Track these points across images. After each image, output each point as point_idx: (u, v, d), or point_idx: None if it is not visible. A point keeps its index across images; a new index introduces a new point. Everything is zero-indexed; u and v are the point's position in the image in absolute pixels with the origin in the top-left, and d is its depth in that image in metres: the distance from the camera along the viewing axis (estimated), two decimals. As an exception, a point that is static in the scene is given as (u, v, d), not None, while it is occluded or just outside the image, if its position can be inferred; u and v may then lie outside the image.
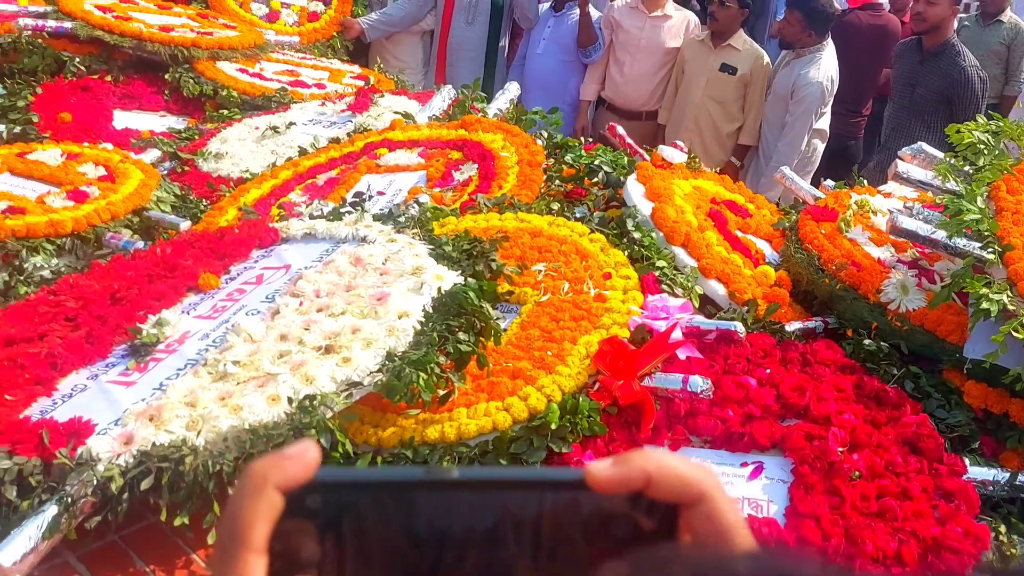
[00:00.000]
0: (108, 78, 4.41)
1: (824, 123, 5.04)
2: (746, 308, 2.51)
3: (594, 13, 5.38)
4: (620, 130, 3.50)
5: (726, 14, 5.02)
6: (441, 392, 2.07)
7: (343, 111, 4.10)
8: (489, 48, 5.56)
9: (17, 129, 3.89)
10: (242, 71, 4.58)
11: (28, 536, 1.65)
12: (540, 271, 2.55)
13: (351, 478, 0.51)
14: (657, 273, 2.52)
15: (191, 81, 4.39)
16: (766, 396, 2.17)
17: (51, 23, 4.41)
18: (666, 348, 2.20)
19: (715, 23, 5.08)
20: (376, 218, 2.75)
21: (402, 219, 2.73)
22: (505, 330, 2.36)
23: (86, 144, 3.65)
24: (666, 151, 3.23)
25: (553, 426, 2.03)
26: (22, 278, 2.74)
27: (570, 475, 0.50)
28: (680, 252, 2.70)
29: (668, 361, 2.22)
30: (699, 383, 2.12)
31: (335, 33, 5.53)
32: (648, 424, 2.10)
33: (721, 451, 2.14)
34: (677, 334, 2.24)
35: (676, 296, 2.45)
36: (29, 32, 4.38)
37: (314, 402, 1.90)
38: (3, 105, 4.09)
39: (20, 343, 2.19)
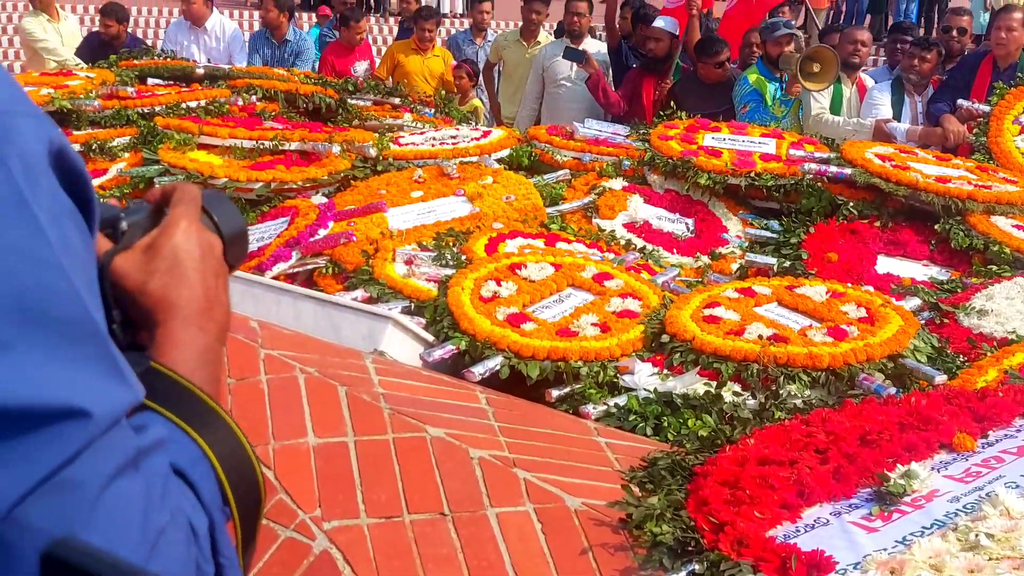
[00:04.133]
0: (877, 224, 4.53)
1: None
2: None
3: None
4: None
5: None
6: None
7: None
8: None
9: (787, 263, 4.20)
10: (1018, 227, 4.33)
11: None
12: None
13: None
14: None
15: (961, 233, 4.28)
16: None
17: (832, 168, 4.70)
18: None
19: None
20: None
21: None
22: None
23: (849, 285, 3.77)
24: None
25: None
26: (776, 402, 2.90)
27: None
28: None
29: None
30: None
31: None
32: None
33: None
34: None
35: None
36: (811, 176, 4.73)
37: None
38: (779, 240, 4.47)
39: (772, 464, 2.30)
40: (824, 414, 2.62)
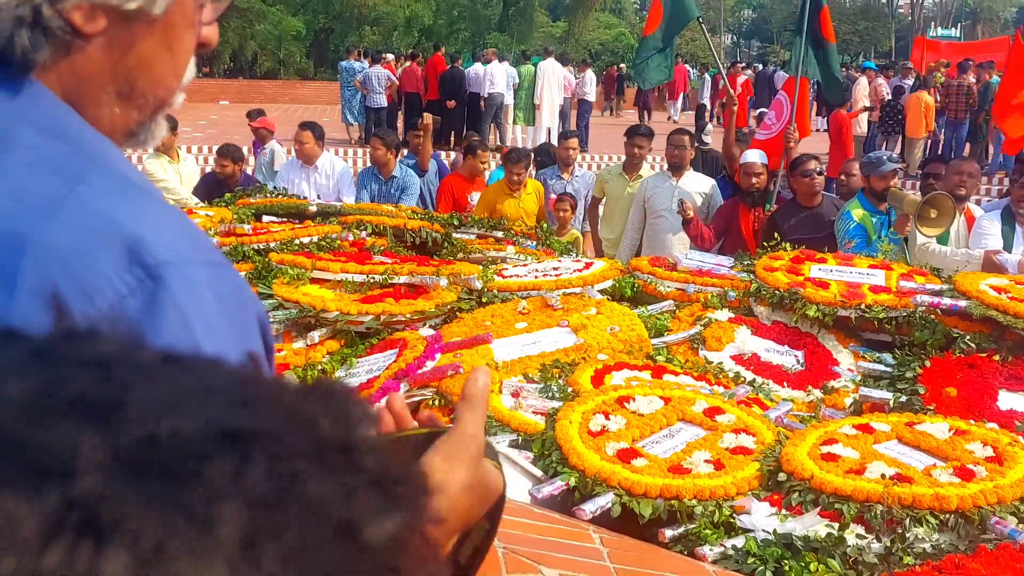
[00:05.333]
0: (996, 357, 4.37)
1: None
2: None
3: None
4: None
5: None
6: None
7: None
8: None
9: (903, 399, 4.07)
10: None
11: None
12: None
13: None
14: None
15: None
16: None
17: (946, 301, 4.59)
18: None
19: None
20: None
21: None
22: None
23: (972, 421, 3.63)
24: None
25: None
26: (903, 546, 2.77)
27: None
28: None
29: None
30: None
31: None
32: None
33: None
34: None
35: None
36: (924, 308, 4.62)
37: None
38: (893, 374, 4.34)
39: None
40: (957, 560, 2.50)
